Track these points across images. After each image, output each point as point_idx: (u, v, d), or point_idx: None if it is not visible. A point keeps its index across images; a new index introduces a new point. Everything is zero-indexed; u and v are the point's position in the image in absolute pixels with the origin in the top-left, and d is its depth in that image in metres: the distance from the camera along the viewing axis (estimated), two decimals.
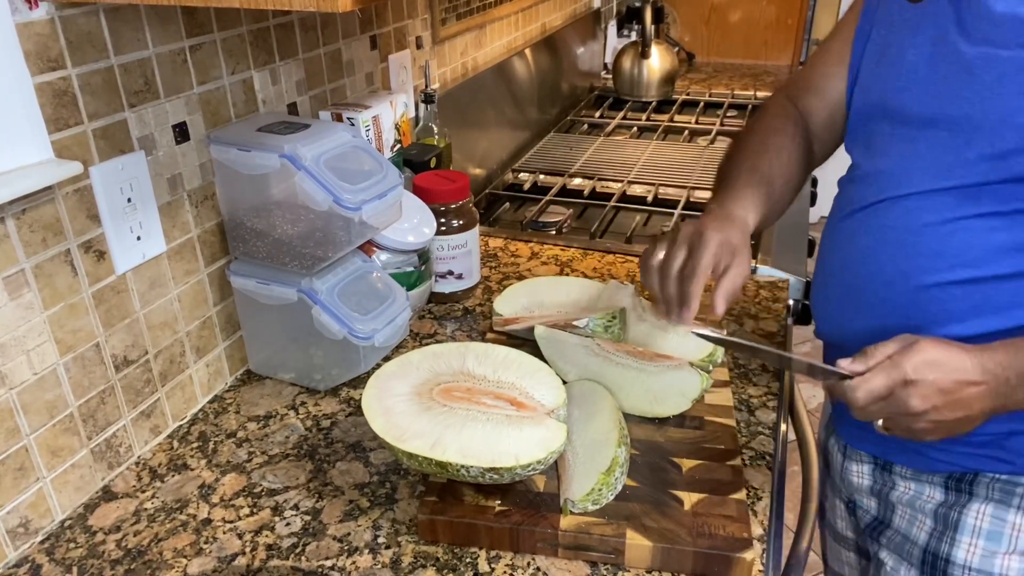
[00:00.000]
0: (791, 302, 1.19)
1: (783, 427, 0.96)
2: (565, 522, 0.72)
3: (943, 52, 0.74)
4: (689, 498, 0.75)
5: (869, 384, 0.67)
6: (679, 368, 0.87)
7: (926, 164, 0.74)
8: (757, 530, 0.75)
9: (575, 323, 0.96)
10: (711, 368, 0.90)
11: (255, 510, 0.79)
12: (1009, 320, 0.71)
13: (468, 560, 0.73)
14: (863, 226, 0.80)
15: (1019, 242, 0.70)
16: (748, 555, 0.69)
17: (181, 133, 0.86)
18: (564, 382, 0.81)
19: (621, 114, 2.13)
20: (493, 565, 0.72)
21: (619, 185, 1.63)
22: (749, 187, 0.86)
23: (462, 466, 0.70)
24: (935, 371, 0.66)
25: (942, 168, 0.73)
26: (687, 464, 0.79)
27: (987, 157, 0.70)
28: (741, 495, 0.75)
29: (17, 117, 0.68)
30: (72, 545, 0.76)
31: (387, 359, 1.00)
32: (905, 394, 0.66)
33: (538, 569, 0.72)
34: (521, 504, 0.74)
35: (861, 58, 0.85)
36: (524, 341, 0.99)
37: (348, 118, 1.09)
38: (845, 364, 0.69)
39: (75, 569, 0.73)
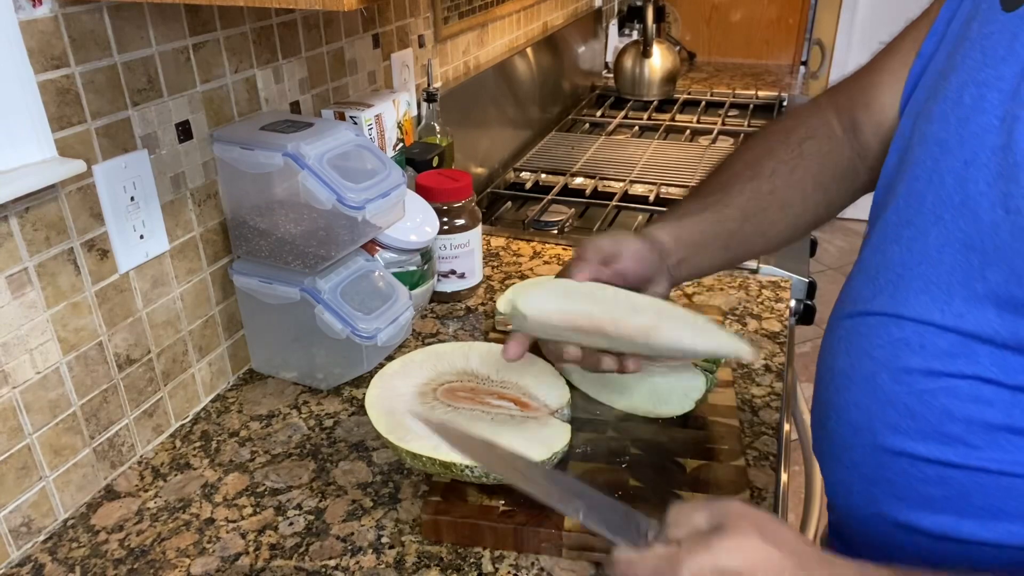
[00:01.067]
0: (793, 302, 1.19)
1: (786, 427, 0.96)
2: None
3: (1014, 114, 0.50)
4: (693, 498, 0.74)
5: (632, 570, 0.50)
6: (683, 369, 0.87)
7: (931, 276, 0.54)
8: None
9: None
10: (715, 368, 0.90)
11: (258, 509, 0.79)
12: (993, 532, 0.53)
13: (472, 560, 0.72)
14: (846, 341, 0.62)
15: (1018, 428, 0.50)
16: None
17: (184, 132, 0.86)
18: (567, 383, 0.81)
19: (622, 113, 2.13)
20: (497, 565, 0.72)
21: (621, 184, 1.62)
22: (695, 214, 0.73)
23: (466, 466, 0.70)
24: None
25: (944, 290, 0.53)
26: (691, 464, 0.79)
27: (997, 300, 0.50)
28: (745, 495, 0.75)
29: (20, 115, 0.68)
30: (75, 544, 0.76)
31: (390, 359, 0.99)
32: None
33: (542, 569, 0.71)
34: (525, 504, 0.74)
35: (927, 65, 0.62)
36: None
37: (351, 117, 1.09)
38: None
39: (78, 568, 0.73)
